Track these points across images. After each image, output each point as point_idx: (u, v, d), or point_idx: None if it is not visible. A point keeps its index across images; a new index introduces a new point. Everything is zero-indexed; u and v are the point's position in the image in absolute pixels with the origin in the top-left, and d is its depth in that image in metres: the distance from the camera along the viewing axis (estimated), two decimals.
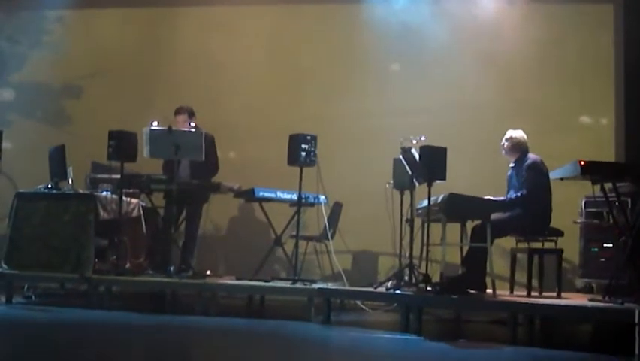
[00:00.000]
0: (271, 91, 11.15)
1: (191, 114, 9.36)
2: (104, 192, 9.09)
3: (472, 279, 7.63)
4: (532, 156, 8.06)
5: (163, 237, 9.12)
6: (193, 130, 8.94)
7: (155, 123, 8.77)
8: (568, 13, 10.81)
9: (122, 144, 8.62)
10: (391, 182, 8.49)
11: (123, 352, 5.90)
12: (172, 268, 8.68)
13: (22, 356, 5.52)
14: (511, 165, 8.20)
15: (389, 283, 8.02)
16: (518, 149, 8.14)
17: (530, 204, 7.79)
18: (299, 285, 8.40)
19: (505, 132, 8.21)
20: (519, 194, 7.85)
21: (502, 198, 7.98)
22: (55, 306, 8.53)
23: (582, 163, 6.81)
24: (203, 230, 10.06)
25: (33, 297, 9.01)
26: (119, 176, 8.87)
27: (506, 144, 8.18)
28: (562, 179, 7.35)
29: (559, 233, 7.98)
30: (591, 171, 6.87)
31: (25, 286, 9.08)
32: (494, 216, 7.70)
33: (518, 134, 8.17)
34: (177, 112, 9.35)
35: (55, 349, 5.90)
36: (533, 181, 7.86)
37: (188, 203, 9.23)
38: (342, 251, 9.63)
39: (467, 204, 7.64)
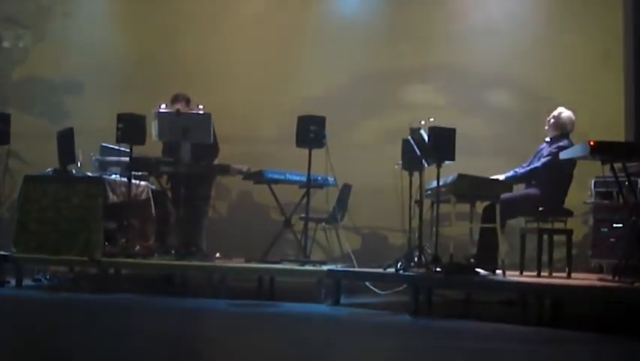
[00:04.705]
0: (279, 72, 11.12)
1: (188, 102, 9.28)
2: (113, 175, 9.10)
3: (482, 260, 7.63)
4: (568, 142, 7.92)
5: (182, 219, 9.11)
6: (201, 112, 8.91)
7: (162, 106, 8.75)
8: None
9: (131, 127, 8.60)
10: (400, 163, 8.47)
11: (131, 334, 5.91)
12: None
13: (26, 336, 5.55)
14: (547, 139, 8.14)
15: (398, 265, 8.01)
16: (559, 128, 8.05)
17: (540, 180, 7.74)
18: (308, 267, 8.40)
19: (556, 109, 8.14)
20: (532, 167, 7.82)
21: (511, 173, 7.96)
22: (65, 289, 8.58)
23: (592, 143, 6.76)
24: (211, 212, 10.05)
25: (43, 280, 9.07)
26: (127, 159, 8.88)
27: (552, 120, 8.12)
28: (572, 159, 7.33)
29: (568, 213, 7.96)
30: (601, 151, 6.83)
31: (36, 270, 9.11)
32: (504, 196, 7.67)
33: (565, 115, 8.07)
34: (175, 100, 9.22)
35: (59, 331, 5.91)
36: (553, 159, 7.75)
37: (195, 185, 9.22)
38: (352, 232, 9.61)
39: (476, 184, 7.62)
